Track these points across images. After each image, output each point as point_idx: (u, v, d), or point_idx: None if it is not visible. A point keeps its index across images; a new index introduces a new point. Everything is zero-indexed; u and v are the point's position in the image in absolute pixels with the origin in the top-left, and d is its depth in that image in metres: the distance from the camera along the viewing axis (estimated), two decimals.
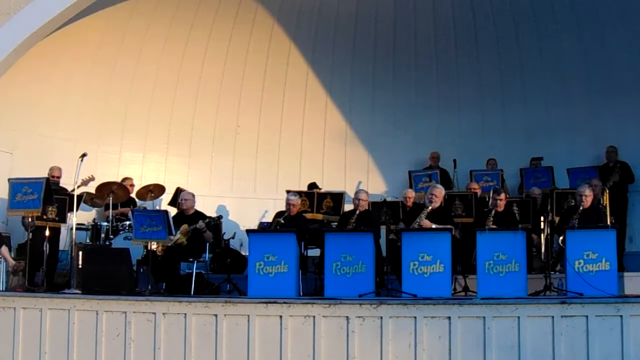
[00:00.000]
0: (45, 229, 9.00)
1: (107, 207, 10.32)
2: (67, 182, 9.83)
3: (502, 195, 9.03)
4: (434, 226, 8.49)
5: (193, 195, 9.44)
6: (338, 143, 12.56)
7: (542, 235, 8.74)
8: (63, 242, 9.97)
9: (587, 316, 7.02)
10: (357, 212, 8.97)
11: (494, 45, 12.11)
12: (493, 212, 8.85)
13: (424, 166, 11.87)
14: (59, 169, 9.90)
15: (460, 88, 12.35)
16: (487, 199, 9.81)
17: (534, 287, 8.05)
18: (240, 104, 12.34)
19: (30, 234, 8.78)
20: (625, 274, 8.97)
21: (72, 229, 9.08)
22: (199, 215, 9.22)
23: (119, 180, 10.81)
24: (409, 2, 12.08)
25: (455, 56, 12.32)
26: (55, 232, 9.34)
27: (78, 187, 9.24)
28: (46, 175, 9.38)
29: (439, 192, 8.87)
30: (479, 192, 10.37)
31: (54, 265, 9.50)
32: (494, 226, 8.61)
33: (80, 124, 11.29)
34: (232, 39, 12.08)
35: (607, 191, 9.80)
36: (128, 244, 9.22)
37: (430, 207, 8.68)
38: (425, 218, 8.61)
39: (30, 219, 8.72)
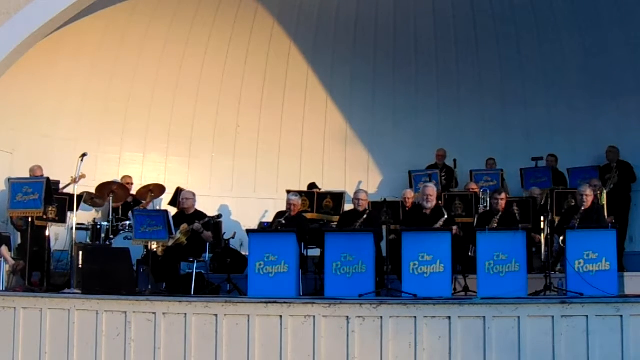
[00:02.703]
0: (44, 228, 9.00)
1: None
2: (66, 182, 9.82)
3: (503, 195, 9.04)
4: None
5: (194, 195, 9.44)
6: (338, 143, 12.56)
7: (542, 235, 8.74)
8: (63, 242, 9.97)
9: (587, 316, 7.02)
10: (365, 215, 8.93)
11: (494, 45, 12.11)
12: (500, 214, 8.83)
13: (425, 165, 11.85)
14: (40, 168, 9.86)
15: (460, 88, 12.35)
16: (482, 199, 9.87)
17: (534, 287, 8.06)
18: (240, 104, 12.33)
19: (26, 234, 8.76)
20: (625, 274, 8.97)
21: (72, 229, 9.09)
22: (199, 214, 9.22)
23: (118, 179, 10.82)
24: (409, 2, 12.08)
25: (455, 56, 12.32)
26: (43, 231, 9.32)
27: (66, 185, 9.25)
28: (45, 176, 9.39)
29: (432, 190, 8.88)
30: (478, 192, 10.37)
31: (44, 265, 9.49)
32: (495, 225, 8.62)
33: (80, 124, 11.29)
34: (232, 39, 12.08)
35: (605, 191, 9.80)
36: (128, 244, 9.22)
37: (429, 206, 8.70)
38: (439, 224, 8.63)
39: (30, 219, 8.71)
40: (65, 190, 9.78)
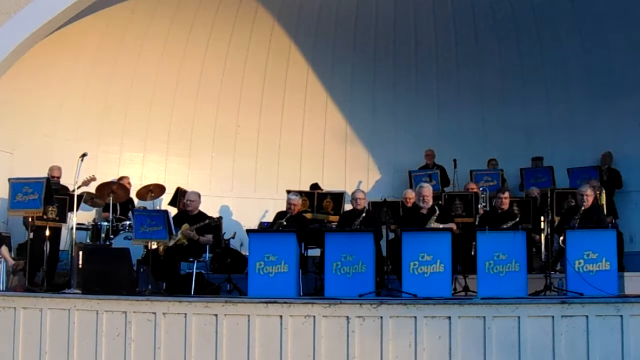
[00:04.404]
0: (46, 228, 9.00)
1: (105, 209, 10.31)
2: (67, 182, 9.83)
3: (507, 194, 9.08)
4: (441, 226, 8.50)
5: (199, 196, 9.45)
6: (338, 143, 12.56)
7: (542, 234, 8.75)
8: (63, 242, 9.97)
9: (587, 316, 7.03)
10: (364, 214, 8.95)
11: (494, 45, 12.11)
12: (516, 219, 8.82)
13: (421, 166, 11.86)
14: (59, 169, 9.90)
15: (460, 88, 12.35)
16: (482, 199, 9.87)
17: (534, 287, 8.06)
18: (240, 104, 12.34)
19: (31, 234, 8.77)
20: (625, 274, 8.97)
21: (72, 229, 9.08)
22: (202, 215, 9.24)
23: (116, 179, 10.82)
24: (409, 2, 12.08)
25: (455, 56, 12.33)
26: (56, 232, 9.33)
27: (79, 187, 9.25)
28: (46, 175, 9.38)
29: (428, 190, 8.90)
30: (478, 191, 10.38)
31: (54, 265, 9.49)
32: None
33: (81, 124, 11.29)
34: (232, 39, 12.08)
35: (604, 191, 9.81)
36: (128, 244, 9.21)
37: (426, 207, 8.72)
38: (432, 220, 8.64)
39: (30, 219, 8.71)
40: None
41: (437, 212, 8.65)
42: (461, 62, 12.30)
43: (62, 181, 9.97)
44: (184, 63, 11.92)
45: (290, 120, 12.50)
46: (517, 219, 8.86)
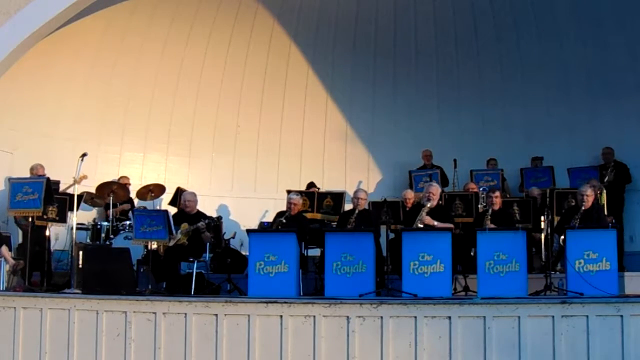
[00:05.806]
0: (44, 228, 9.01)
1: (107, 207, 10.32)
2: (67, 182, 9.82)
3: (497, 193, 9.11)
4: (435, 223, 8.51)
5: (195, 196, 9.44)
6: (338, 143, 12.57)
7: (542, 234, 8.75)
8: (63, 242, 9.97)
9: (587, 316, 7.02)
10: (357, 211, 8.98)
11: (494, 45, 12.12)
12: (490, 210, 8.89)
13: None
14: (42, 167, 9.85)
15: (460, 88, 12.36)
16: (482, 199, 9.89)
17: (535, 287, 8.06)
18: (241, 104, 12.34)
19: (28, 234, 8.76)
20: (626, 273, 8.98)
21: (72, 229, 9.09)
22: (201, 215, 9.24)
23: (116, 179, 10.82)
24: (409, 2, 12.08)
25: (455, 56, 12.33)
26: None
27: (69, 186, 9.25)
28: (46, 175, 9.39)
29: (436, 189, 8.92)
30: (478, 192, 10.38)
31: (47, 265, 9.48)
32: (493, 225, 8.63)
33: (81, 124, 11.29)
34: (232, 39, 12.08)
35: (605, 191, 9.81)
36: (128, 243, 9.22)
37: (429, 205, 8.71)
38: (426, 215, 8.64)
39: (30, 219, 8.71)
40: (66, 191, 9.76)
41: (428, 206, 8.65)
42: (461, 61, 12.30)
43: (63, 181, 9.96)
44: (184, 63, 11.92)
45: (290, 120, 12.50)
46: (488, 207, 8.90)
